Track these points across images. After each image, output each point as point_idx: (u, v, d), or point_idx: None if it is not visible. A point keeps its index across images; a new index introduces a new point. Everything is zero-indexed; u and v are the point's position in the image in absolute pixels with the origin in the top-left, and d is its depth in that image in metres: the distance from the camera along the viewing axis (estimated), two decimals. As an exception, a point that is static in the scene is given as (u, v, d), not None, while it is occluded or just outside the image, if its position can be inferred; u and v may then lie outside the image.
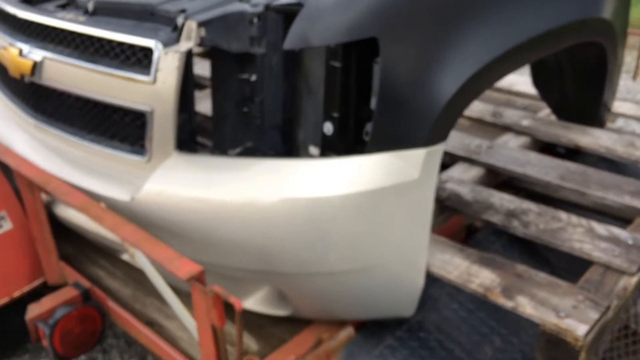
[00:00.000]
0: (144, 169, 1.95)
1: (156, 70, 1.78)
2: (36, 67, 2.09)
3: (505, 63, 1.90)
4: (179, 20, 1.80)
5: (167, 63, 1.76)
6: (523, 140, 2.65)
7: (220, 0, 1.86)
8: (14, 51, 2.16)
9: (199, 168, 1.84)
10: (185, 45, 1.75)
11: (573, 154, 2.71)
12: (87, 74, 1.96)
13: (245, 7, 1.82)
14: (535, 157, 2.45)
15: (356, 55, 1.75)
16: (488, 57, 1.81)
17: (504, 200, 2.18)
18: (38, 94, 2.23)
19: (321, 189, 1.72)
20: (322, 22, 1.66)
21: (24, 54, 2.13)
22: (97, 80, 1.94)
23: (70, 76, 2.02)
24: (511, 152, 2.49)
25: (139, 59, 1.84)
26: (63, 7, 2.25)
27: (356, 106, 1.80)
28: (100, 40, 1.93)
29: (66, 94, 2.10)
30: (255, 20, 1.80)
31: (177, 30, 1.80)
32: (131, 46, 1.85)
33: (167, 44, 1.77)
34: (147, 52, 1.81)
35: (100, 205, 1.88)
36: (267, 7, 1.80)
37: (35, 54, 2.10)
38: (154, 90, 1.80)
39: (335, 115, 1.81)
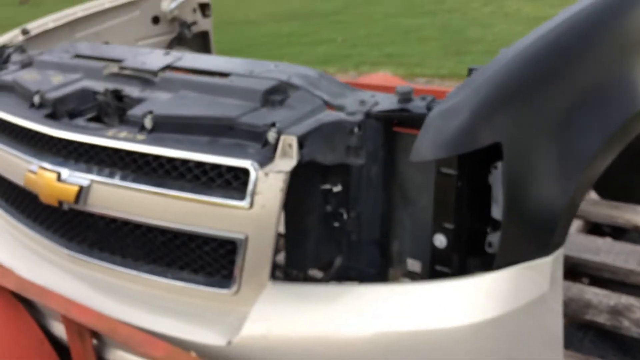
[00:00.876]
0: (229, 302, 1.70)
1: (253, 194, 1.56)
2: (82, 192, 1.82)
3: (609, 154, 1.81)
4: (271, 135, 1.60)
5: (268, 185, 1.55)
6: (577, 224, 2.56)
7: (309, 109, 1.69)
8: (50, 176, 1.88)
9: (305, 299, 1.61)
10: (287, 164, 1.55)
11: (619, 233, 2.65)
12: (151, 199, 1.71)
13: (342, 116, 1.65)
14: (602, 242, 2.37)
15: (472, 162, 1.61)
16: (596, 149, 1.71)
17: (599, 296, 2.06)
18: (78, 222, 1.94)
19: (452, 318, 1.52)
20: (451, 130, 1.51)
21: (63, 179, 1.85)
22: (167, 205, 1.70)
23: (128, 202, 1.76)
24: (576, 239, 2.39)
25: (227, 181, 1.62)
26: (98, 121, 2.00)
27: (475, 216, 1.64)
28: (170, 160, 1.69)
29: (120, 221, 1.83)
30: (356, 129, 1.64)
31: (269, 147, 1.61)
32: (215, 167, 1.63)
33: (262, 164, 1.57)
34: (239, 174, 1.60)
35: (191, 355, 1.60)
36: (368, 115, 1.64)
37: (80, 177, 1.83)
38: (249, 216, 1.58)
39: (449, 226, 1.64)
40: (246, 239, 1.60)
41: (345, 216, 1.73)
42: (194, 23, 3.60)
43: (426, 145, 1.49)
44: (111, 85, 2.04)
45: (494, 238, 1.60)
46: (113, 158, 1.80)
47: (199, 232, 1.68)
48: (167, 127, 1.77)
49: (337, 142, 1.65)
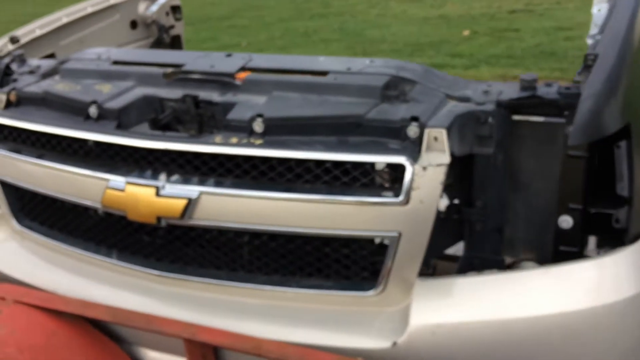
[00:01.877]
0: (371, 304, 1.66)
1: (410, 189, 1.53)
2: (189, 205, 1.68)
3: None
4: (412, 129, 1.59)
5: (427, 179, 1.53)
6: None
7: (436, 102, 1.69)
8: (146, 191, 1.72)
9: (462, 291, 1.61)
10: (441, 157, 1.54)
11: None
12: (279, 206, 1.63)
13: (473, 107, 1.67)
14: None
15: (598, 143, 1.69)
16: None
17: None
18: (173, 239, 1.80)
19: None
20: (600, 114, 1.57)
21: (164, 193, 1.70)
22: (299, 210, 1.62)
23: (248, 211, 1.66)
24: None
25: (374, 179, 1.58)
26: (164, 128, 1.85)
27: (601, 194, 1.72)
28: (301, 163, 1.61)
29: (232, 232, 1.72)
30: (490, 119, 1.66)
31: (409, 141, 1.59)
32: (358, 165, 1.58)
33: (414, 159, 1.54)
34: (389, 170, 1.56)
35: (359, 360, 1.54)
36: (499, 104, 1.67)
37: (186, 190, 1.69)
38: (404, 212, 1.55)
39: (577, 206, 1.71)
40: (399, 237, 1.57)
41: (471, 206, 1.74)
42: (172, 27, 3.43)
43: (583, 128, 1.55)
44: (178, 91, 1.90)
45: (621, 214, 1.69)
46: (226, 166, 1.68)
47: (339, 234, 1.63)
48: (281, 129, 1.68)
49: (469, 132, 1.66)
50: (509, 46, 8.09)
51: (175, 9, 3.47)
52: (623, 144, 1.67)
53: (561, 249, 1.74)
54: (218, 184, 1.68)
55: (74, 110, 1.94)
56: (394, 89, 1.73)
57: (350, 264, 1.67)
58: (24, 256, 2.09)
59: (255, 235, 1.71)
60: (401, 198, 1.54)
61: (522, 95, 1.68)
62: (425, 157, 1.55)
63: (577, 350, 1.60)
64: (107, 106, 1.87)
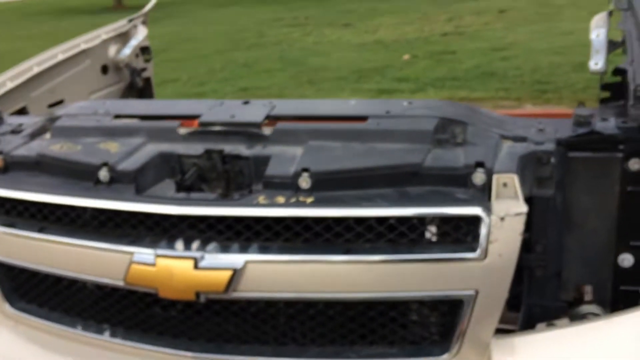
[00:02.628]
0: (442, 371, 1.52)
1: (487, 243, 1.41)
2: (234, 277, 1.50)
3: None
4: (478, 176, 1.47)
5: (505, 231, 1.41)
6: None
7: (492, 144, 1.58)
8: (183, 264, 1.52)
9: (542, 347, 1.49)
10: (517, 205, 1.43)
11: None
12: (338, 269, 1.47)
13: (533, 147, 1.57)
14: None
15: None
16: None
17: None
18: (211, 314, 1.60)
19: None
20: None
21: (204, 265, 1.51)
22: (363, 273, 1.47)
23: (302, 278, 1.49)
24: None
25: (445, 234, 1.45)
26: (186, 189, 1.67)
27: None
28: (361, 221, 1.46)
29: (281, 303, 1.55)
30: (552, 159, 1.57)
31: (474, 189, 1.47)
32: (424, 220, 1.45)
33: (488, 209, 1.43)
34: (461, 223, 1.43)
35: None
36: (559, 142, 1.58)
37: (229, 259, 1.51)
38: (481, 268, 1.43)
39: (637, 243, 1.64)
40: (476, 295, 1.45)
41: (529, 251, 1.64)
42: (144, 69, 3.21)
43: None
44: (198, 146, 1.72)
45: None
46: (274, 229, 1.51)
47: (407, 297, 1.48)
48: (330, 184, 1.53)
49: (529, 174, 1.57)
50: (451, 68, 8.23)
51: (144, 50, 3.26)
52: None
53: (621, 289, 1.67)
54: (264, 250, 1.51)
55: (79, 175, 1.71)
56: (444, 132, 1.62)
57: (419, 327, 1.53)
58: (21, 344, 1.82)
59: (309, 304, 1.54)
60: (478, 253, 1.41)
61: (580, 131, 1.61)
62: (499, 206, 1.43)
63: None
64: (120, 168, 1.66)
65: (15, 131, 2.02)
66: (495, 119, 1.71)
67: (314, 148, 1.63)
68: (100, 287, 1.70)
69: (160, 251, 1.55)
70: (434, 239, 1.45)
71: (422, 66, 8.48)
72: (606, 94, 2.48)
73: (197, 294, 1.53)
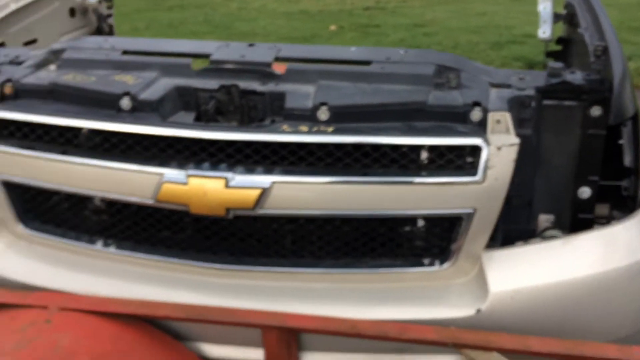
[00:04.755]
0: (441, 278, 1.77)
1: (486, 168, 1.66)
2: (262, 196, 1.67)
3: None
4: (475, 113, 1.72)
5: (500, 158, 1.67)
6: None
7: (484, 88, 1.83)
8: (214, 183, 1.67)
9: (526, 258, 1.77)
10: (509, 138, 1.69)
11: None
12: (354, 190, 1.68)
13: (517, 92, 1.83)
14: None
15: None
16: None
17: None
18: (235, 230, 1.76)
19: None
20: (626, 99, 1.81)
21: (234, 184, 1.67)
22: (375, 194, 1.68)
23: (323, 197, 1.69)
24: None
25: (449, 160, 1.68)
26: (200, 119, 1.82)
27: (612, 167, 1.97)
28: (377, 148, 1.67)
29: (303, 220, 1.74)
30: (533, 103, 1.83)
31: (472, 125, 1.72)
32: (433, 148, 1.68)
33: (487, 140, 1.68)
34: (463, 152, 1.67)
35: (452, 329, 1.63)
36: (538, 90, 1.85)
37: (258, 180, 1.67)
38: (480, 190, 1.68)
39: (594, 178, 1.95)
40: (473, 213, 1.70)
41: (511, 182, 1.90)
42: (110, 15, 3.22)
43: (618, 110, 1.78)
44: (212, 82, 1.86)
45: (628, 184, 1.96)
46: (298, 154, 1.69)
47: (415, 214, 1.71)
48: (345, 117, 1.72)
49: (513, 115, 1.83)
50: (377, 41, 8.53)
51: None
52: (629, 122, 1.93)
53: (580, 217, 1.97)
54: (289, 172, 1.68)
55: (99, 103, 1.81)
56: (440, 76, 1.85)
57: (422, 241, 1.76)
58: (40, 262, 1.90)
59: (326, 220, 1.74)
60: (479, 177, 1.66)
61: (554, 81, 1.88)
62: (495, 138, 1.68)
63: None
64: (142, 97, 1.77)
65: (14, 62, 2.06)
66: (481, 69, 1.95)
67: (326, 86, 1.81)
68: (125, 206, 1.81)
69: (191, 171, 1.69)
70: (440, 164, 1.68)
71: (350, 37, 8.72)
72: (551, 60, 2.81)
73: (227, 210, 1.69)
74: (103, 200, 1.82)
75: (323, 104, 1.71)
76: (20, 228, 1.92)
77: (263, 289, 1.79)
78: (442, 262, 1.76)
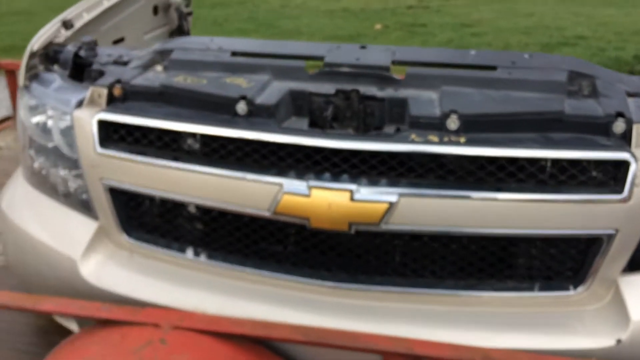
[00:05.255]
0: (570, 303, 1.64)
1: (632, 186, 1.54)
2: (389, 210, 1.56)
3: None
4: (619, 125, 1.59)
5: None
6: None
7: (621, 97, 1.69)
8: (339, 196, 1.57)
9: None
10: None
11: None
12: (486, 206, 1.56)
13: None
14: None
15: None
16: None
17: None
18: (359, 247, 1.66)
19: None
20: None
21: (359, 197, 1.57)
22: (511, 210, 1.56)
23: (451, 213, 1.57)
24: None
25: (592, 176, 1.56)
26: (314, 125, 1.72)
27: None
28: (513, 161, 1.55)
29: (426, 237, 1.63)
30: None
31: (614, 137, 1.59)
32: (575, 163, 1.55)
33: (633, 154, 1.55)
34: (607, 167, 1.55)
35: (595, 360, 1.51)
36: None
37: (384, 193, 1.57)
38: (624, 209, 1.55)
39: None
40: (614, 234, 1.57)
41: None
42: (190, 13, 3.16)
43: None
44: (327, 86, 1.76)
45: None
46: (428, 166, 1.58)
47: (551, 234, 1.59)
48: (477, 126, 1.61)
49: None
50: (424, 41, 8.40)
51: None
52: None
53: None
54: (417, 185, 1.58)
55: (213, 107, 1.72)
56: (573, 84, 1.72)
57: (556, 263, 1.64)
58: (142, 274, 1.82)
59: (452, 238, 1.63)
60: (625, 194, 1.53)
61: None
62: None
63: None
64: (259, 102, 1.68)
65: (118, 62, 1.98)
66: (614, 76, 1.82)
67: (451, 93, 1.70)
68: (234, 217, 1.72)
69: (313, 182, 1.59)
70: (582, 180, 1.56)
71: (396, 36, 8.61)
72: None
73: (350, 225, 1.59)
74: (211, 210, 1.73)
75: (453, 112, 1.60)
76: (124, 237, 1.84)
77: (377, 310, 1.69)
78: (575, 286, 1.63)
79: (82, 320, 1.90)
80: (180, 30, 3.14)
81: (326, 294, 1.70)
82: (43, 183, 2.03)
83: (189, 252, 1.79)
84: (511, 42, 8.21)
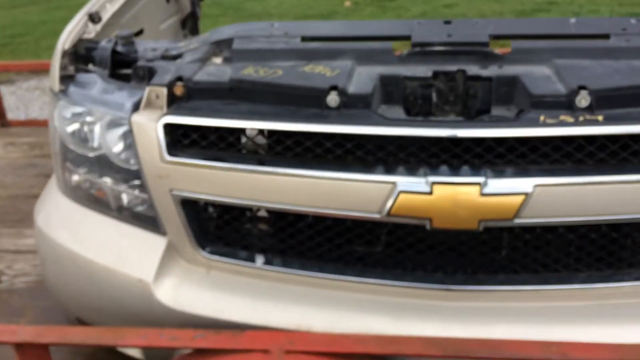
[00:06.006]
0: None
1: None
2: (525, 203, 1.38)
3: None
4: None
5: None
6: None
7: None
8: (468, 191, 1.37)
9: None
10: None
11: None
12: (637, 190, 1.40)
13: None
14: None
15: None
16: None
17: None
18: (485, 245, 1.48)
19: None
20: None
21: (487, 191, 1.37)
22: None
23: (599, 200, 1.40)
24: None
25: None
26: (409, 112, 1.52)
27: None
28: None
29: (558, 229, 1.46)
30: None
31: None
32: None
33: None
34: None
35: None
36: None
37: (518, 183, 1.38)
38: None
39: None
40: None
41: None
42: None
43: None
44: (420, 68, 1.56)
45: None
46: (564, 150, 1.40)
47: None
48: (610, 102, 1.43)
49: None
50: (398, 15, 8.21)
51: None
52: None
53: None
54: (555, 173, 1.39)
55: (297, 101, 1.49)
56: None
57: None
58: (226, 292, 1.59)
59: (592, 227, 1.46)
60: None
61: None
62: None
63: None
64: (352, 92, 1.46)
65: (167, 57, 1.73)
66: None
67: (567, 66, 1.51)
68: (334, 222, 1.51)
69: (434, 178, 1.39)
70: None
71: (368, 12, 8.39)
72: None
73: (479, 222, 1.40)
74: (305, 216, 1.51)
75: (581, 87, 1.41)
76: (200, 253, 1.61)
77: (506, 311, 1.52)
78: None
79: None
80: (193, 16, 2.87)
81: (445, 298, 1.52)
82: (86, 197, 1.77)
83: (276, 264, 1.58)
84: (485, 11, 8.10)
